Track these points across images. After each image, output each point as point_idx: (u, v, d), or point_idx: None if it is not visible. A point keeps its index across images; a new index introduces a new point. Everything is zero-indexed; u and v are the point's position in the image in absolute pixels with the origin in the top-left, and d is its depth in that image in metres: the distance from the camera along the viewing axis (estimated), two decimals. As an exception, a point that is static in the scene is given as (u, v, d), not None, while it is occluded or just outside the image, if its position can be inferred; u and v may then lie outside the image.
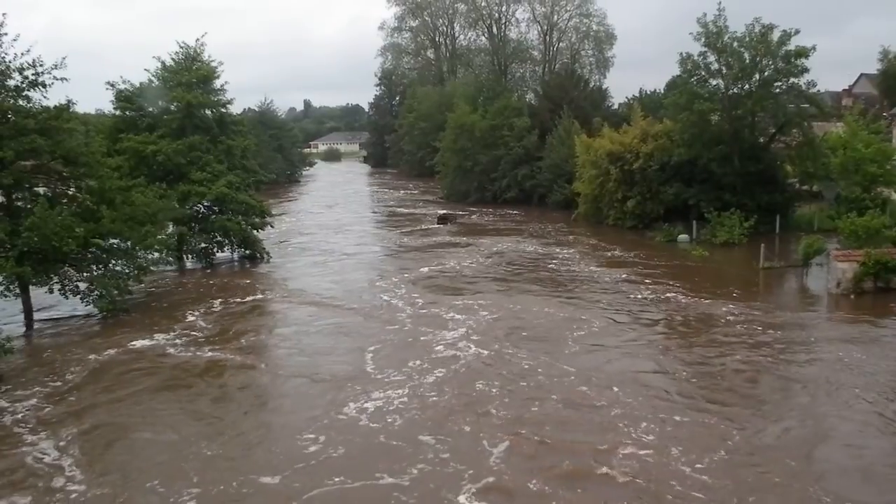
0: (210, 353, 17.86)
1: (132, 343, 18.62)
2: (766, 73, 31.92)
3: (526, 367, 15.97)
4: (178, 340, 18.95)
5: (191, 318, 21.07)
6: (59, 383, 15.77)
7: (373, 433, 12.68)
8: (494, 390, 14.56)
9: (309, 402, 14.56)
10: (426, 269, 27.85)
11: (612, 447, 11.80)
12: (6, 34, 19.42)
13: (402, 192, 65.70)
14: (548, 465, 11.30)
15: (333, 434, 12.62)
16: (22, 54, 19.52)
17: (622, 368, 15.89)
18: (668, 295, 22.36)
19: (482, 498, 10.33)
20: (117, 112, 28.79)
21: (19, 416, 14.01)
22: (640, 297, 22.36)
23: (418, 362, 16.35)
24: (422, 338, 18.41)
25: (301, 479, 11.05)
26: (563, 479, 10.86)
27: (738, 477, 10.79)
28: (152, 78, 28.98)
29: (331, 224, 43.77)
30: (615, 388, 14.45)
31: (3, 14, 19.05)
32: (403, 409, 13.75)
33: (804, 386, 14.69)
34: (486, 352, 17.14)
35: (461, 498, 10.30)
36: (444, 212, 45.14)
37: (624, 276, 25.25)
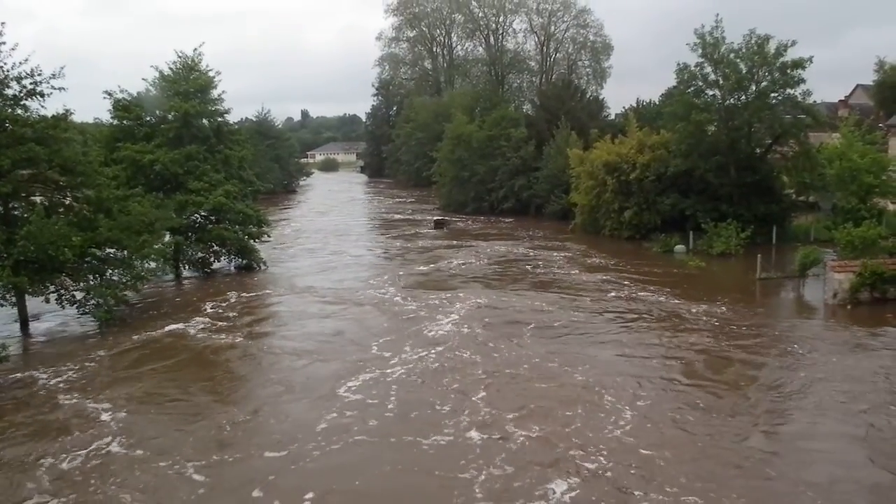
0: (219, 342, 19.03)
1: (140, 336, 19.65)
2: (762, 84, 32.11)
3: (502, 346, 17.95)
4: (189, 331, 20.19)
5: (200, 313, 22.30)
6: (63, 377, 16.41)
7: (386, 398, 14.51)
8: (478, 358, 17.04)
9: (323, 379, 15.90)
10: (423, 268, 29.52)
11: (568, 395, 14.43)
12: (4, 43, 19.43)
13: (398, 201, 65.89)
14: (519, 406, 14.01)
15: (350, 403, 14.28)
16: (20, 63, 19.57)
17: (600, 354, 17.27)
18: (659, 300, 22.58)
19: (478, 426, 12.95)
20: (115, 121, 28.70)
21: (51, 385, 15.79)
22: (629, 301, 22.62)
23: (417, 344, 18.22)
24: (419, 324, 20.22)
25: (320, 443, 12.44)
26: (532, 411, 13.67)
27: (684, 440, 12.32)
28: (150, 87, 28.97)
29: (329, 230, 44.30)
30: (586, 365, 16.27)
31: (3, 23, 19.06)
32: (406, 379, 15.71)
33: (778, 379, 15.29)
34: (471, 333, 19.18)
35: (473, 434, 12.69)
36: (439, 217, 45.61)
37: (615, 282, 25.48)
